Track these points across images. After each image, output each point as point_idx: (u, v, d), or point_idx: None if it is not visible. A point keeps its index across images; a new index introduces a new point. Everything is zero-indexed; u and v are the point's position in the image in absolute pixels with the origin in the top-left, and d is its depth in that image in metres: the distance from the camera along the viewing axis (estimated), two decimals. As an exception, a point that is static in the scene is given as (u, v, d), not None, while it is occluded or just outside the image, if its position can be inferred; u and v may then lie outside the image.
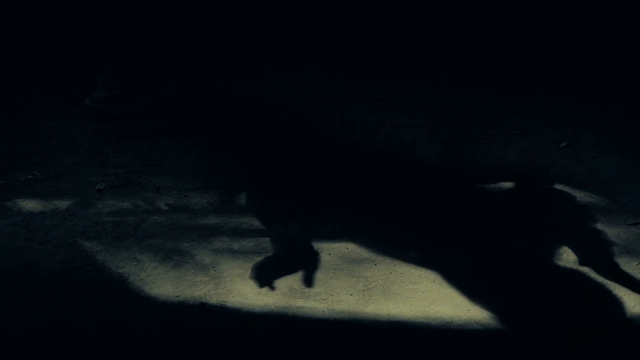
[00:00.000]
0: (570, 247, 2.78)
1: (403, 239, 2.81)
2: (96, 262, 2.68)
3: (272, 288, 2.58)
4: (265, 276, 2.64)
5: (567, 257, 2.74)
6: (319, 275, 2.64)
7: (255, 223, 2.88)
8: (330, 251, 2.75)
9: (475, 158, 3.29)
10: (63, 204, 2.96)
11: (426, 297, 2.56)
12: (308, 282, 2.61)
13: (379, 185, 3.10)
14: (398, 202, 3.01)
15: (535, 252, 2.77)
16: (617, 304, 2.55)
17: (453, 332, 2.44)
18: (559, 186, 3.11)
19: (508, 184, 3.13)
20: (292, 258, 2.72)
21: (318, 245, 2.78)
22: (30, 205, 2.95)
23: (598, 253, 2.76)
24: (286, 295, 2.56)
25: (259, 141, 3.39)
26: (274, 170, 3.20)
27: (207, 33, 4.23)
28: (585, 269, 2.68)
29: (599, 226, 2.89)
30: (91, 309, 2.49)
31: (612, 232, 2.86)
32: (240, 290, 2.57)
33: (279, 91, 3.76)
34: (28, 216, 2.89)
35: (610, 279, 2.65)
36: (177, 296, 2.55)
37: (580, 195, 3.06)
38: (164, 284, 2.60)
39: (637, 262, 2.72)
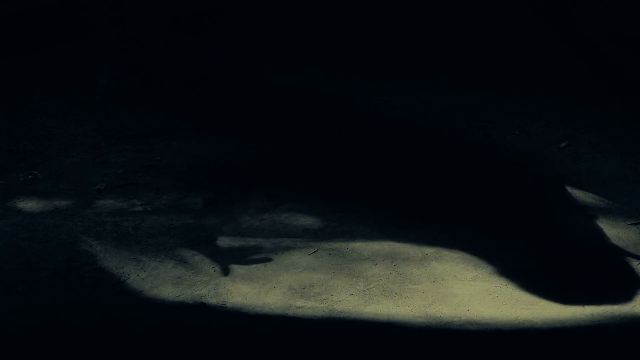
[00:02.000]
0: (569, 248, 2.78)
1: (403, 240, 2.81)
2: (96, 262, 2.68)
3: (272, 288, 2.59)
4: (265, 276, 2.64)
5: (567, 258, 2.74)
6: (319, 275, 2.64)
7: (255, 223, 2.88)
8: (330, 251, 2.75)
9: (475, 158, 3.29)
10: (63, 204, 2.96)
11: (426, 297, 2.56)
12: (308, 282, 2.61)
13: (380, 186, 3.10)
14: (397, 203, 3.01)
15: (534, 252, 2.77)
16: (617, 304, 2.55)
17: (453, 332, 2.44)
18: (558, 186, 3.11)
19: (507, 184, 3.13)
20: (292, 258, 2.72)
21: (318, 245, 2.78)
22: (30, 205, 2.95)
23: (598, 253, 2.76)
24: (286, 295, 2.56)
25: (258, 141, 3.39)
26: (274, 170, 3.20)
27: (207, 33, 4.23)
28: (584, 270, 2.68)
29: (598, 226, 2.89)
30: (91, 309, 2.49)
31: (612, 232, 2.86)
32: (240, 290, 2.57)
33: (279, 91, 3.76)
34: (28, 216, 2.89)
35: (610, 279, 2.65)
36: (177, 296, 2.55)
37: (580, 195, 3.06)
38: (164, 284, 2.60)
39: (637, 262, 2.72)
